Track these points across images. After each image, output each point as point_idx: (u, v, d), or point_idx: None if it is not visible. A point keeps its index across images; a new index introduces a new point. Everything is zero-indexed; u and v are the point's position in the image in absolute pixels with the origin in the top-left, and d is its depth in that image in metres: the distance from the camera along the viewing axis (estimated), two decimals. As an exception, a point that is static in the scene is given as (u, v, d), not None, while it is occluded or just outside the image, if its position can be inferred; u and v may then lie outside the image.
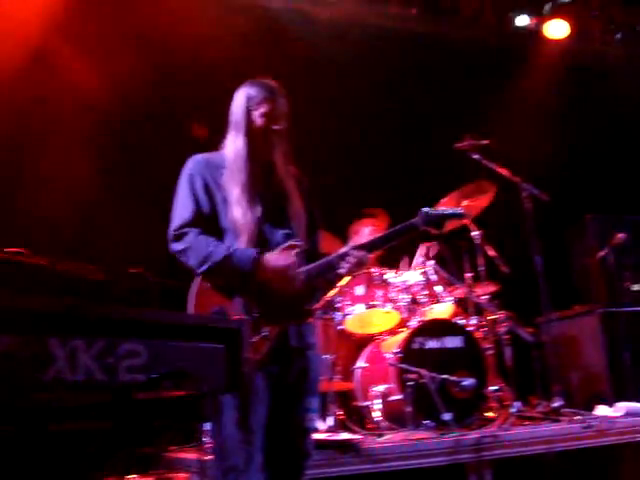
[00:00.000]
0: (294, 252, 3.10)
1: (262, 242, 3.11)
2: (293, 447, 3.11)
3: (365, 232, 5.59)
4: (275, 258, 3.07)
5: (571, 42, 7.83)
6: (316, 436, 4.04)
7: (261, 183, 3.19)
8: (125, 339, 1.90)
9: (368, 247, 3.16)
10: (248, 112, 3.20)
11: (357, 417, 5.33)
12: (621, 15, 7.91)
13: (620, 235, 5.86)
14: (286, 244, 3.11)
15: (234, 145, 3.21)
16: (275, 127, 3.17)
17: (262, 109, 3.18)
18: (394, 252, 5.98)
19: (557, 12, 7.60)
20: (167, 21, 6.02)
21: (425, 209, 3.21)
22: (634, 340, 5.75)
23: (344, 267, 3.10)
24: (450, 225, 5.79)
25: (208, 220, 3.15)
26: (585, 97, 7.80)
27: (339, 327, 5.47)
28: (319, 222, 3.42)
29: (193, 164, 3.25)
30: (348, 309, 5.43)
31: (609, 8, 7.86)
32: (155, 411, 2.02)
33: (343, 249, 3.15)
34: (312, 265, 3.13)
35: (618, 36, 7.94)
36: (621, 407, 5.24)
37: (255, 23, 6.46)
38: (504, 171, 5.58)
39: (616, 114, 7.82)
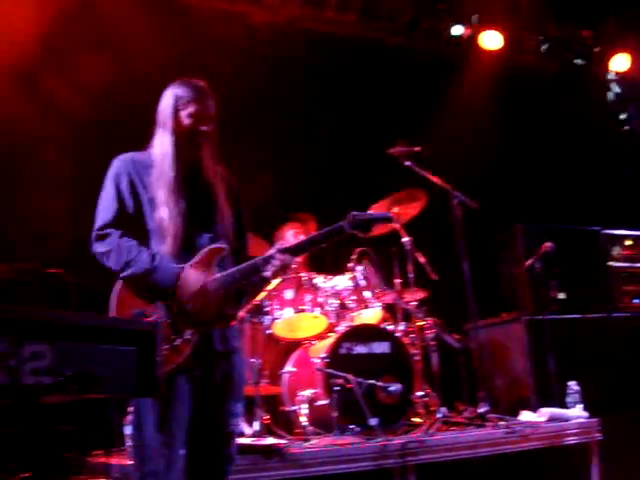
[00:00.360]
0: (214, 260, 3.06)
1: (187, 245, 3.07)
2: (216, 452, 3.07)
3: (289, 236, 5.58)
4: (194, 275, 3.02)
5: (505, 53, 7.94)
6: (241, 441, 4.02)
7: (188, 184, 3.14)
8: (29, 340, 1.84)
9: (293, 250, 3.15)
10: (176, 112, 3.16)
11: (284, 422, 5.30)
12: (554, 30, 8.05)
13: (547, 244, 5.95)
14: (210, 247, 3.08)
15: (161, 145, 3.16)
16: (203, 128, 3.14)
17: (190, 109, 3.15)
18: (325, 256, 6.02)
19: (490, 23, 7.70)
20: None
21: (353, 212, 3.22)
22: (558, 347, 5.84)
23: (269, 270, 3.08)
24: (380, 231, 5.86)
25: (132, 221, 3.10)
26: (518, 107, 7.92)
27: (267, 331, 5.44)
28: (247, 224, 3.39)
29: (119, 163, 3.19)
30: (277, 313, 5.40)
31: (543, 23, 7.99)
32: (61, 415, 1.96)
33: (268, 252, 3.13)
34: (236, 268, 3.09)
35: (550, 49, 8.07)
36: (545, 412, 5.32)
37: (188, 26, 6.38)
38: (435, 178, 5.62)
39: (547, 125, 7.96)
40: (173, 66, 5.64)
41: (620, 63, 8.18)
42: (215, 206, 3.17)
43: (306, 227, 5.69)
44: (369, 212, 3.31)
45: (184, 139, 3.15)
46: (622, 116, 2.65)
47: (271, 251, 3.12)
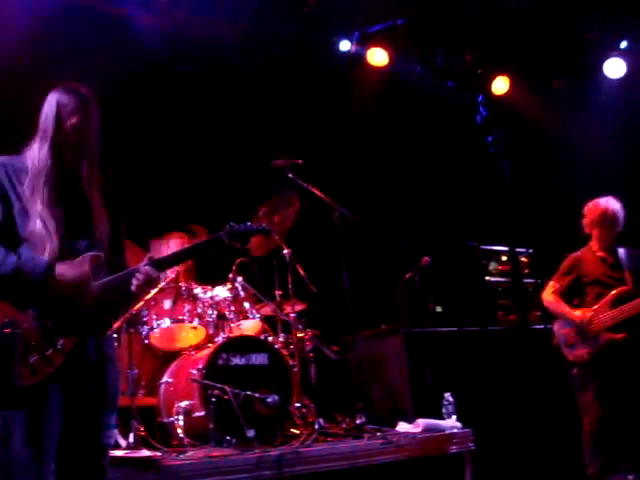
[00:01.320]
0: (90, 263, 2.99)
1: (63, 254, 2.97)
2: (88, 465, 2.97)
3: (173, 246, 5.52)
4: (67, 268, 2.94)
5: (390, 70, 8.09)
6: (115, 453, 3.94)
7: (64, 193, 3.04)
8: None
9: (160, 264, 3.11)
10: (58, 122, 3.03)
11: (161, 433, 5.21)
12: (439, 53, 8.25)
13: (426, 258, 6.08)
14: (86, 255, 3.00)
15: (39, 153, 3.03)
16: (84, 139, 3.04)
17: (73, 120, 3.03)
18: (208, 267, 5.98)
19: (376, 41, 7.83)
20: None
21: (231, 223, 3.21)
22: (435, 360, 5.97)
23: (133, 284, 3.02)
24: (265, 250, 5.88)
25: (2, 228, 2.97)
26: (400, 123, 8.08)
27: (145, 341, 5.36)
28: (124, 233, 3.32)
29: None
30: (155, 323, 5.33)
31: (425, 43, 8.19)
32: None
33: (136, 266, 3.07)
34: (109, 278, 3.02)
35: (431, 69, 8.27)
36: (420, 423, 5.42)
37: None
38: (316, 191, 5.67)
39: (428, 143, 8.16)
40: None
41: (500, 86, 8.51)
42: (92, 214, 3.07)
43: (194, 239, 5.63)
44: (247, 223, 3.31)
45: (64, 149, 3.03)
46: (489, 139, 2.76)
47: (141, 265, 3.06)
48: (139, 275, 3.01)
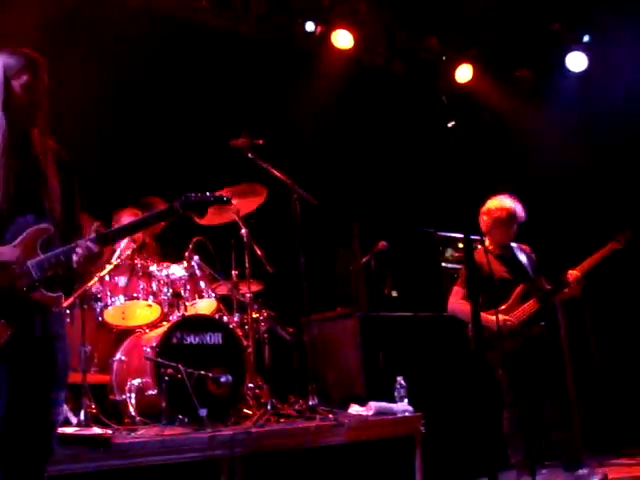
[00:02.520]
0: (39, 242, 2.94)
1: (8, 224, 2.92)
2: (33, 443, 2.93)
3: (125, 221, 5.45)
4: (4, 255, 2.88)
5: (355, 54, 8.08)
6: (65, 430, 3.90)
7: (15, 159, 2.98)
8: None
9: (106, 237, 3.07)
10: (7, 82, 2.97)
11: (113, 411, 5.17)
12: (402, 35, 8.27)
13: (382, 243, 6.11)
14: (34, 228, 2.95)
15: None
16: (35, 99, 2.98)
17: (22, 80, 2.97)
18: (166, 244, 5.95)
19: (341, 23, 7.81)
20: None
21: (187, 193, 3.18)
22: (389, 344, 6.02)
23: (73, 260, 2.98)
24: (220, 220, 5.84)
25: None
26: (363, 106, 8.09)
27: (98, 318, 5.31)
28: (79, 204, 3.26)
29: None
30: (109, 300, 5.28)
31: (391, 27, 8.19)
32: None
33: (76, 241, 3.02)
34: (46, 255, 2.95)
35: (396, 54, 8.29)
36: (372, 406, 5.47)
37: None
38: (276, 172, 5.66)
39: (390, 126, 8.18)
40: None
41: (463, 73, 8.55)
42: (43, 184, 3.01)
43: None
44: (206, 193, 3.27)
45: (15, 112, 2.98)
46: (449, 125, 2.76)
47: (84, 239, 3.02)
48: (79, 250, 2.96)
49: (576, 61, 8.69)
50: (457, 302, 5.71)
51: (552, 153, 8.32)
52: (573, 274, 5.66)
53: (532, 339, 5.63)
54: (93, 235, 3.04)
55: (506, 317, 5.57)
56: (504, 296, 5.68)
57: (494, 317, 5.52)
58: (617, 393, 7.91)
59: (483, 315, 5.52)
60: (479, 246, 6.37)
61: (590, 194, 8.33)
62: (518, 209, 5.83)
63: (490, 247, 5.83)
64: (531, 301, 5.67)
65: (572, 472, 5.61)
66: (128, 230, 3.22)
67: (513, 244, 5.93)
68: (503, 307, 5.64)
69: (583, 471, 5.57)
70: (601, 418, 7.60)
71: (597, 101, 8.41)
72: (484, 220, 5.83)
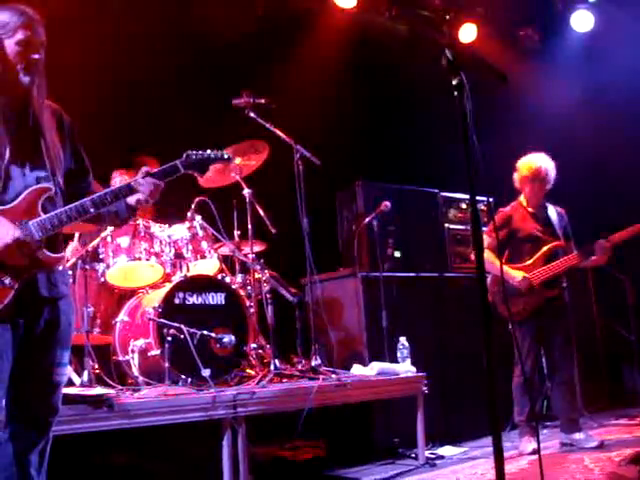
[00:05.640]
0: (40, 202, 2.90)
1: (11, 186, 2.86)
2: (40, 402, 2.94)
3: (117, 183, 5.39)
4: (4, 223, 2.81)
5: (358, 13, 7.99)
6: (68, 391, 3.91)
7: (14, 118, 2.92)
8: None
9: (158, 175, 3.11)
10: (1, 39, 2.89)
11: (116, 372, 5.20)
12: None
13: (386, 203, 6.07)
14: (34, 187, 2.91)
15: None
16: (34, 56, 2.90)
17: (18, 36, 2.87)
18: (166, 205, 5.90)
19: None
20: None
21: (188, 151, 3.15)
22: (391, 304, 6.01)
23: (139, 199, 3.06)
24: (222, 181, 5.81)
25: None
26: (367, 66, 8.02)
27: (101, 279, 5.29)
28: (87, 161, 3.23)
29: None
30: (111, 261, 5.25)
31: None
32: None
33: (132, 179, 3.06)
34: (54, 213, 2.92)
35: (400, 13, 8.18)
36: (375, 366, 5.49)
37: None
38: (279, 132, 5.61)
39: (394, 86, 8.11)
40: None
41: (467, 33, 8.45)
42: (43, 144, 2.95)
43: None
44: (206, 151, 3.24)
45: (11, 69, 2.88)
46: (454, 82, 2.71)
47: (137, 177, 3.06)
48: (143, 187, 3.06)
49: (582, 21, 8.58)
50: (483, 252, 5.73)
51: (557, 114, 8.25)
52: (601, 243, 5.65)
53: (549, 300, 5.65)
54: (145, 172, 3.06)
55: (527, 275, 5.60)
56: (531, 252, 5.71)
57: (516, 272, 5.56)
58: (617, 357, 7.99)
59: (506, 268, 5.56)
60: (483, 207, 6.41)
61: (594, 155, 8.29)
62: (545, 168, 5.80)
63: (525, 203, 5.86)
64: (557, 262, 5.67)
65: (569, 435, 5.67)
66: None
67: (548, 204, 5.93)
68: (528, 262, 5.67)
69: (580, 435, 5.63)
70: (601, 380, 7.67)
71: (602, 63, 8.33)
72: (516, 177, 5.88)
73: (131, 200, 3.08)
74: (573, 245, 5.87)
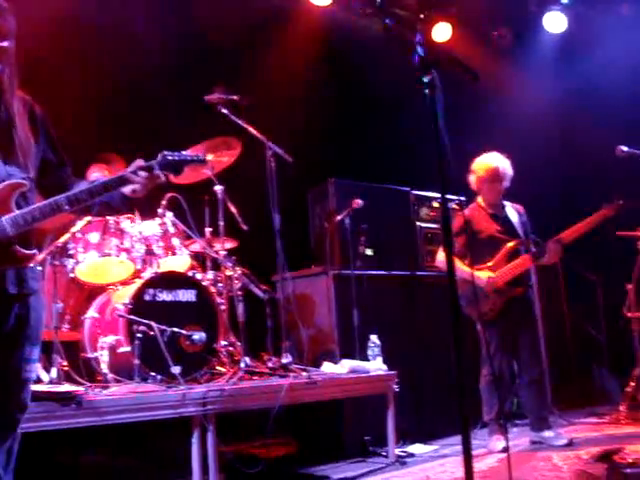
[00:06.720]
0: (13, 197, 2.85)
1: None
2: (8, 399, 2.88)
3: (95, 177, 5.35)
4: None
5: (332, 11, 7.99)
6: (36, 388, 3.86)
7: None
8: None
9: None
10: None
11: (85, 369, 5.14)
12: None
13: (358, 201, 6.07)
14: (7, 183, 2.85)
15: None
16: (1, 44, 2.83)
17: None
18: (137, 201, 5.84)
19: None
20: None
21: (165, 152, 3.12)
22: (363, 302, 6.01)
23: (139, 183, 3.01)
24: (194, 177, 5.77)
25: None
26: (341, 64, 8.01)
27: (70, 275, 5.24)
28: (63, 154, 3.18)
29: None
30: (81, 257, 5.20)
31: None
32: None
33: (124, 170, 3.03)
34: (28, 209, 2.89)
35: (374, 12, 8.19)
36: (346, 364, 5.49)
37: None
38: (251, 128, 5.60)
39: (367, 84, 8.11)
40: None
41: (441, 32, 8.48)
42: (16, 136, 2.89)
43: (112, 168, 5.48)
44: (182, 152, 3.21)
45: None
46: (425, 79, 2.70)
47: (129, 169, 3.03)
48: (138, 178, 3.01)
49: (554, 22, 8.64)
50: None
51: (528, 113, 8.32)
52: (552, 243, 5.70)
53: (515, 299, 5.69)
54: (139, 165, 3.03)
55: (492, 275, 5.63)
56: (492, 253, 5.74)
57: (481, 274, 5.59)
58: (587, 357, 8.08)
59: (476, 274, 5.60)
60: (454, 206, 6.43)
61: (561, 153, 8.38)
62: (502, 167, 5.84)
63: (483, 204, 5.90)
64: (518, 261, 5.72)
65: (538, 433, 5.72)
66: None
67: (506, 203, 5.98)
68: (489, 264, 5.71)
69: (549, 433, 5.68)
70: (571, 379, 7.74)
71: (575, 64, 8.41)
72: (473, 179, 5.91)
73: (127, 190, 3.04)
74: (532, 243, 5.90)
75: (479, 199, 5.97)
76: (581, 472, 4.40)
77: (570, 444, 5.52)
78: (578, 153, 8.29)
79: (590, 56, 8.30)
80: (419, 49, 2.97)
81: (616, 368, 7.74)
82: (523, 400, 6.06)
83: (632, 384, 6.65)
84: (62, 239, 5.13)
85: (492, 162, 5.85)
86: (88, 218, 5.10)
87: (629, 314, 6.90)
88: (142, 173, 3.01)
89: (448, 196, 3.07)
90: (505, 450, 5.13)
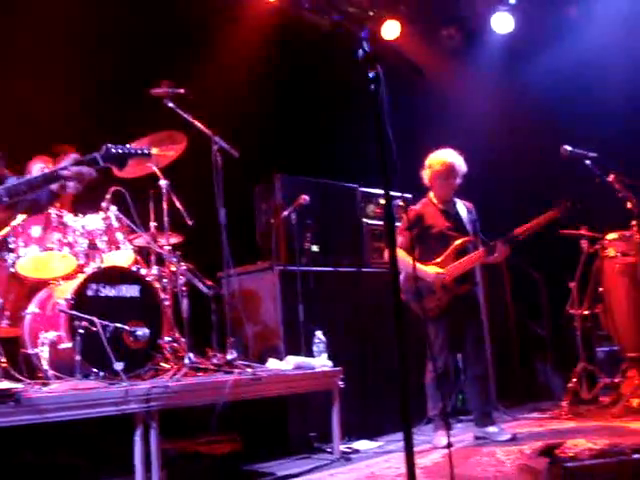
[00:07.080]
0: None
1: None
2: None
3: (37, 171, 5.26)
4: None
5: (280, 6, 7.97)
6: (-28, 385, 3.78)
7: None
8: None
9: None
10: None
11: (25, 366, 5.04)
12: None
13: (304, 196, 6.06)
14: None
15: None
16: None
17: None
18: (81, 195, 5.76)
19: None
20: None
21: (108, 144, 3.08)
22: (308, 298, 6.00)
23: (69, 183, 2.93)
24: (139, 171, 5.71)
25: None
26: (289, 59, 8.00)
27: (11, 269, 5.13)
28: None
29: None
30: (21, 251, 5.10)
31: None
32: None
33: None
34: None
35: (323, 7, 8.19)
36: (291, 360, 5.48)
37: None
38: (198, 122, 5.55)
39: (317, 82, 8.11)
40: None
41: (391, 29, 8.51)
42: None
43: (59, 160, 5.38)
44: (126, 145, 3.18)
45: None
46: (370, 75, 2.72)
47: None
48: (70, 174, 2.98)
49: (502, 22, 8.72)
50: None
51: (473, 113, 8.40)
52: (500, 242, 5.76)
53: (461, 296, 5.74)
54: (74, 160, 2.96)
55: (440, 271, 5.67)
56: (441, 249, 5.77)
57: (429, 269, 5.62)
58: (530, 353, 8.18)
59: (419, 266, 5.62)
60: (400, 203, 6.46)
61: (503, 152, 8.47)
62: (458, 163, 5.88)
63: (434, 200, 5.92)
64: (467, 258, 5.77)
65: (482, 428, 5.78)
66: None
67: (457, 199, 6.01)
68: (439, 259, 5.74)
69: (493, 428, 5.74)
70: (515, 375, 7.84)
71: (522, 64, 8.51)
72: (426, 174, 5.93)
73: (54, 186, 2.99)
74: (480, 241, 5.96)
75: (431, 194, 6.00)
76: (524, 466, 4.44)
77: (514, 439, 5.58)
78: (527, 152, 8.38)
79: (538, 57, 8.40)
80: (364, 44, 2.97)
81: (559, 364, 7.84)
82: (468, 396, 6.12)
83: (574, 380, 6.76)
84: (2, 232, 5.03)
85: (448, 158, 5.88)
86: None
87: (572, 311, 7.00)
88: (73, 168, 2.96)
89: (393, 193, 3.07)
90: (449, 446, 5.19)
